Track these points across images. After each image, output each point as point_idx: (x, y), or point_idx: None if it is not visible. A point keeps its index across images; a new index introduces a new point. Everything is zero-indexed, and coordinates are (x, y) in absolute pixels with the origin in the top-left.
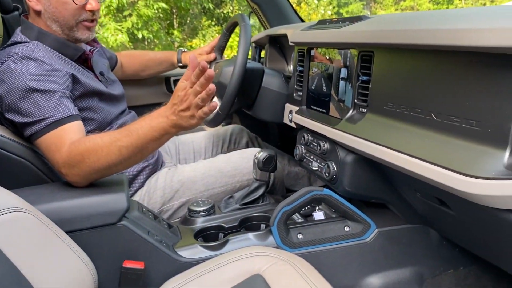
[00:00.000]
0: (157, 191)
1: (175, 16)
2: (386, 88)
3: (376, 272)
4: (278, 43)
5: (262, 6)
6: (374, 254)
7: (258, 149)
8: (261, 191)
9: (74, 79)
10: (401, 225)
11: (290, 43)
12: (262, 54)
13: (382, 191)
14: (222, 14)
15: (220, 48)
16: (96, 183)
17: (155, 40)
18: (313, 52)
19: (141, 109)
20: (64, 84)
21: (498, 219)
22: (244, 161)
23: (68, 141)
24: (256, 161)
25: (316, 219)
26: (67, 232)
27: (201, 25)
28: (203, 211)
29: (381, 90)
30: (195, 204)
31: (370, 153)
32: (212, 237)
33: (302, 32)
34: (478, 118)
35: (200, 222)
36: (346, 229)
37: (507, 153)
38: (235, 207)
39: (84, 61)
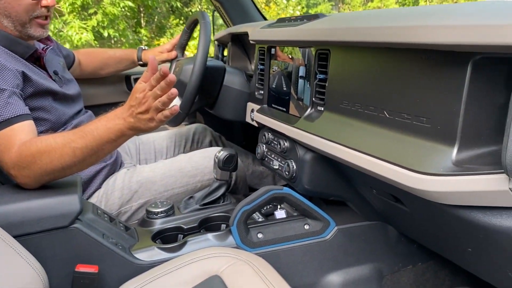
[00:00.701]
0: (115, 193)
1: (142, 14)
2: (342, 86)
3: (336, 270)
4: (240, 42)
5: (224, 4)
6: (334, 251)
7: (219, 148)
8: (221, 190)
9: (25, 78)
10: (360, 222)
11: (251, 41)
12: (226, 52)
13: (340, 189)
14: (190, 13)
15: (181, 46)
16: (47, 185)
17: (122, 39)
18: (273, 51)
19: (101, 108)
20: (13, 82)
21: (448, 215)
22: (205, 160)
23: (18, 141)
24: (216, 160)
25: (277, 218)
26: (15, 237)
27: (169, 24)
28: (162, 212)
29: (337, 88)
30: (153, 205)
31: (326, 151)
32: (171, 238)
33: (261, 30)
34: (428, 115)
35: (158, 224)
36: (306, 227)
37: (455, 150)
38: (195, 207)
39: (36, 59)
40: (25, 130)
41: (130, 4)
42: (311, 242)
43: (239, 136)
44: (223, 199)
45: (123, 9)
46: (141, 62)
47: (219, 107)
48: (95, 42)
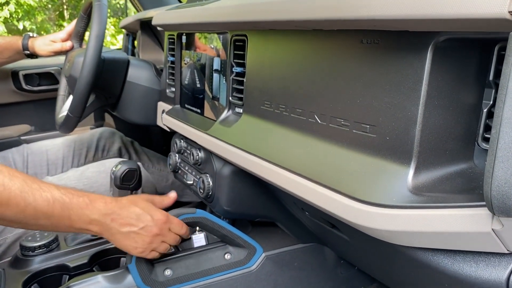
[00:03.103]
0: None
1: (65, 6)
2: (262, 82)
3: None
4: (151, 30)
5: None
6: (261, 283)
7: (117, 160)
8: None
9: None
10: (292, 245)
11: (158, 28)
12: (136, 43)
13: (267, 209)
14: (118, 5)
15: (78, 34)
16: None
17: (42, 32)
18: (184, 39)
19: None
20: None
21: (401, 256)
22: (101, 176)
23: None
24: (113, 177)
25: (195, 245)
26: None
27: None
28: (41, 246)
29: (257, 85)
30: (30, 238)
31: (243, 165)
32: (52, 282)
33: (165, 13)
34: (373, 121)
35: (37, 263)
36: (227, 257)
37: (411, 170)
38: (86, 238)
39: None
40: None
41: None
42: (233, 274)
43: (158, 140)
44: None
45: (40, 0)
46: (28, 52)
47: (123, 108)
48: (9, 35)
